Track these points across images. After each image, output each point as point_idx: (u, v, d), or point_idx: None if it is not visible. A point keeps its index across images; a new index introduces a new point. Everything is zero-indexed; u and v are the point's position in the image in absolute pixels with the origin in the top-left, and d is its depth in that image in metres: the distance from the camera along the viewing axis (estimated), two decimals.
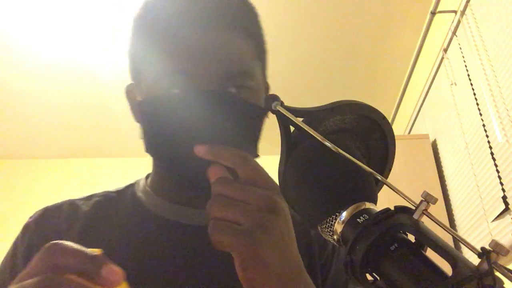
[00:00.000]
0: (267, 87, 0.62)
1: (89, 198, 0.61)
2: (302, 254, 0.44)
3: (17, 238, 0.58)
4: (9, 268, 0.56)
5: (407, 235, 0.32)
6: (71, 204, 0.60)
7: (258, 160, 0.50)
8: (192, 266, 0.53)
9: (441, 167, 2.25)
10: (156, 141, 0.52)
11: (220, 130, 0.48)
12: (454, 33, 2.05)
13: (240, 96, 0.51)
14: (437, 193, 2.10)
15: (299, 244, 0.44)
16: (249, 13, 0.57)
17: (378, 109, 0.40)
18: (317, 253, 0.60)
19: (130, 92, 0.59)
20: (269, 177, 0.42)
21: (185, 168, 0.51)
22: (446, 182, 2.18)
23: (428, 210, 0.30)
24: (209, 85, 0.49)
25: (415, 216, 0.30)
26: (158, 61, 0.51)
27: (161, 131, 0.51)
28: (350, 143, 0.41)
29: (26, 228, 0.58)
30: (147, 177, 0.64)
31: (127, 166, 3.36)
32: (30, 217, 0.60)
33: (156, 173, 0.61)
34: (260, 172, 0.42)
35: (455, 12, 2.01)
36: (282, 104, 0.40)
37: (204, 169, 0.43)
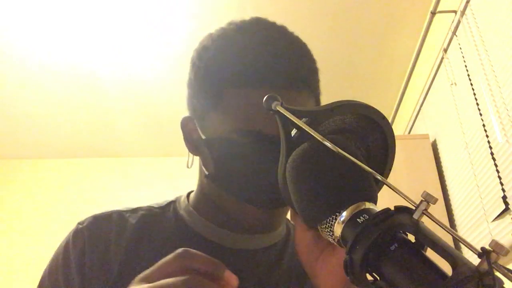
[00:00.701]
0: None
1: (135, 211, 0.63)
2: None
3: (67, 243, 0.59)
4: (62, 270, 0.56)
5: (407, 235, 0.32)
6: (120, 215, 0.61)
7: None
8: None
9: (441, 167, 2.25)
10: (227, 177, 0.56)
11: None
12: (454, 33, 2.05)
13: None
14: (437, 193, 2.10)
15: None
16: (316, 72, 0.61)
17: (378, 109, 0.40)
18: None
19: (186, 125, 0.61)
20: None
21: (254, 199, 0.55)
22: (446, 182, 2.18)
23: (428, 210, 0.30)
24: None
25: (415, 216, 0.30)
26: (232, 112, 0.54)
27: (231, 169, 0.55)
28: (350, 143, 0.41)
29: (78, 234, 0.59)
30: (188, 195, 0.66)
31: (127, 166, 3.36)
32: (80, 223, 0.60)
33: (202, 193, 0.62)
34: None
35: (455, 12, 2.01)
36: (282, 104, 0.40)
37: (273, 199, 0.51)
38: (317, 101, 0.61)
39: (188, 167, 0.60)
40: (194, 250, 0.39)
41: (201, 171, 0.62)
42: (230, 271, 0.54)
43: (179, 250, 0.38)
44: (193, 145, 0.61)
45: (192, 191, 0.66)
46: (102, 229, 0.59)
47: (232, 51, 0.55)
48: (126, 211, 0.62)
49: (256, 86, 0.52)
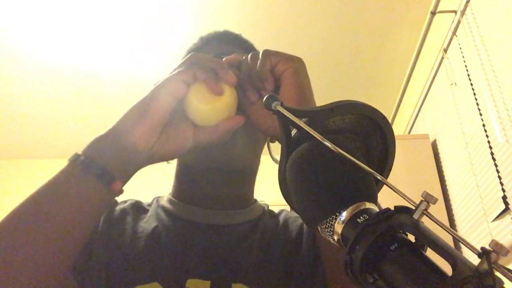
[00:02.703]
0: None
1: (125, 201, 0.70)
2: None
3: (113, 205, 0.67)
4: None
5: (407, 235, 0.32)
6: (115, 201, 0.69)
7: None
8: (217, 261, 0.60)
9: (441, 167, 2.25)
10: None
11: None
12: (454, 33, 2.05)
13: None
14: (437, 193, 2.10)
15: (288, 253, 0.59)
16: (252, 47, 0.78)
17: (378, 109, 0.40)
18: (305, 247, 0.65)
19: None
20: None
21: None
22: (446, 182, 2.18)
23: (428, 210, 0.30)
24: None
25: (415, 216, 0.30)
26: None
27: None
28: (350, 143, 0.41)
29: (117, 203, 0.68)
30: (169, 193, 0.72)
31: None
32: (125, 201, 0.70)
33: (179, 182, 0.71)
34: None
35: (455, 12, 2.01)
36: (282, 104, 0.40)
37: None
38: None
39: (167, 162, 0.64)
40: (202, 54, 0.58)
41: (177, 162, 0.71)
42: (203, 244, 0.61)
43: (191, 54, 0.57)
44: None
45: None
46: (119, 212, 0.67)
47: (193, 46, 0.76)
48: (120, 202, 0.70)
49: (216, 42, 0.74)
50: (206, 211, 0.66)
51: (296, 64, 0.57)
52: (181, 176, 0.70)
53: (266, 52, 0.56)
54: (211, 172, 0.66)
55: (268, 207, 0.74)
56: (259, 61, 0.55)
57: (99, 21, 2.30)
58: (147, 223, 0.65)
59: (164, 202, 0.70)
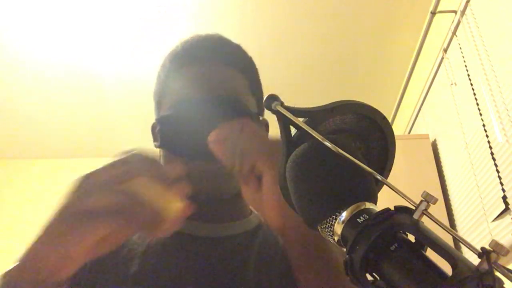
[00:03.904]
0: (266, 124, 0.73)
1: None
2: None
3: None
4: None
5: (407, 235, 0.32)
6: None
7: None
8: (213, 274, 0.59)
9: (441, 167, 2.25)
10: (173, 139, 0.64)
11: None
12: (454, 33, 2.05)
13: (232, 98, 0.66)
14: (437, 193, 2.10)
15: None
16: (244, 58, 0.73)
17: (378, 109, 0.40)
18: None
19: (152, 129, 0.71)
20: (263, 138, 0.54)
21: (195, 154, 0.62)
22: (446, 182, 2.18)
23: (428, 210, 0.30)
24: (212, 109, 0.64)
25: (415, 216, 0.30)
26: (171, 93, 0.68)
27: (177, 132, 0.64)
28: (350, 143, 0.41)
29: None
30: None
31: None
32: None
33: None
34: (255, 133, 0.54)
35: (455, 12, 2.01)
36: (282, 104, 0.40)
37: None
38: (253, 86, 0.72)
39: (155, 146, 0.66)
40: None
41: None
42: (199, 257, 0.61)
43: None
44: (155, 138, 0.69)
45: None
46: None
47: (171, 52, 0.73)
48: None
49: (191, 64, 0.68)
50: (202, 224, 0.65)
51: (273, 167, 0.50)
52: None
53: (242, 154, 0.51)
54: (202, 197, 0.63)
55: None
56: (237, 162, 0.51)
57: (99, 21, 2.30)
58: (141, 238, 0.64)
59: None
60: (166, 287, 0.57)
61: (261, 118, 0.72)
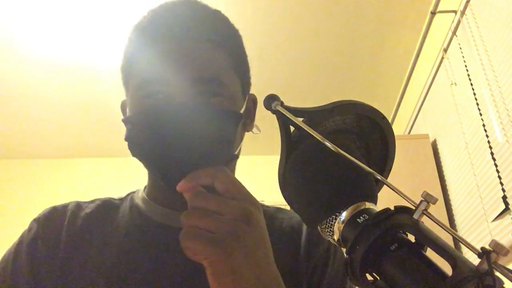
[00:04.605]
0: (253, 100, 0.65)
1: (92, 201, 0.65)
2: (287, 265, 0.47)
3: (24, 231, 0.61)
4: (13, 257, 0.58)
5: (407, 235, 0.32)
6: (77, 205, 0.64)
7: (249, 159, 0.53)
8: (186, 266, 0.55)
9: (441, 167, 2.25)
10: (138, 150, 0.55)
11: (194, 138, 0.52)
12: (454, 33, 2.05)
13: (210, 104, 0.55)
14: (437, 193, 2.10)
15: (284, 256, 0.48)
16: (225, 29, 0.62)
17: (378, 109, 0.40)
18: (303, 261, 0.61)
19: (122, 106, 0.64)
20: (244, 189, 0.44)
21: (165, 172, 0.53)
22: (446, 182, 2.18)
23: (428, 210, 0.30)
24: (183, 93, 0.53)
25: (415, 216, 0.30)
26: (139, 71, 0.57)
27: (141, 143, 0.54)
28: (350, 143, 0.41)
29: (35, 221, 0.61)
30: (145, 187, 0.67)
31: (127, 166, 3.36)
32: (40, 213, 0.63)
33: (151, 180, 0.64)
34: (235, 184, 0.44)
35: (455, 12, 2.01)
36: (282, 104, 0.40)
37: (182, 173, 0.48)
38: (236, 64, 0.61)
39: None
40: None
41: None
42: (179, 251, 0.53)
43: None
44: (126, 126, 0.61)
45: None
46: (56, 218, 0.61)
47: (138, 23, 0.61)
48: (85, 202, 0.65)
49: (158, 41, 0.56)
50: (180, 213, 0.61)
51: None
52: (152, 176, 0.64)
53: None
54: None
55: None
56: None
57: (100, 19, 2.30)
58: (118, 228, 0.60)
59: (138, 200, 0.64)
60: (141, 284, 0.54)
61: (247, 96, 0.63)
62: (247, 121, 0.62)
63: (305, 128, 0.37)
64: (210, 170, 0.45)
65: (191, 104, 0.53)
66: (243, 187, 0.44)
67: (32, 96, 2.80)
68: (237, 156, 0.59)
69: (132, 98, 0.58)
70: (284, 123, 0.39)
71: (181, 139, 0.51)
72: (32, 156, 3.41)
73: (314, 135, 0.36)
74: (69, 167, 3.41)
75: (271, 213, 0.68)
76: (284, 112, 0.39)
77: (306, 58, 2.59)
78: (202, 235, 0.39)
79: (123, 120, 0.58)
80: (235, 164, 0.63)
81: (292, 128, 0.40)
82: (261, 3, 2.26)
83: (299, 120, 0.38)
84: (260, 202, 0.69)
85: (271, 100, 0.40)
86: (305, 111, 0.39)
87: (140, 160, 0.56)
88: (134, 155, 0.56)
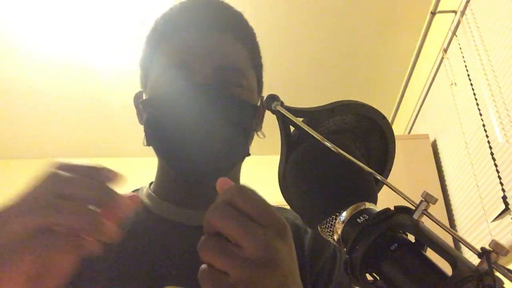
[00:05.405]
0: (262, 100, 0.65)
1: None
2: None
3: None
4: None
5: (407, 235, 0.32)
6: None
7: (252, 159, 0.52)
8: (197, 266, 0.54)
9: (441, 167, 2.25)
10: (157, 134, 0.57)
11: (213, 124, 0.54)
12: (454, 33, 2.05)
13: (232, 92, 0.56)
14: (437, 193, 2.10)
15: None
16: (245, 26, 0.64)
17: (378, 109, 0.40)
18: (308, 263, 0.60)
19: (136, 98, 0.65)
20: (272, 209, 0.35)
21: (184, 161, 0.55)
22: (446, 182, 2.18)
23: (428, 210, 0.30)
24: (206, 79, 0.55)
25: (415, 216, 0.30)
26: (163, 58, 0.59)
27: (161, 125, 0.56)
28: (350, 143, 0.41)
29: None
30: (150, 184, 0.67)
31: (127, 166, 3.36)
32: None
33: (160, 176, 0.64)
34: (264, 205, 0.35)
35: (455, 12, 2.01)
36: (282, 104, 0.40)
37: (201, 163, 0.50)
38: (254, 59, 0.64)
39: (144, 145, 0.59)
40: (67, 164, 0.33)
41: None
42: (183, 247, 0.54)
43: (50, 170, 0.33)
44: (140, 115, 0.63)
45: None
46: None
47: (166, 13, 0.63)
48: None
49: (183, 29, 0.58)
50: (188, 211, 0.59)
51: None
52: (160, 172, 0.64)
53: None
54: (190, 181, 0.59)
55: None
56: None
57: (101, 19, 2.30)
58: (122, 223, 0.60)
59: (143, 196, 0.63)
60: (144, 279, 0.52)
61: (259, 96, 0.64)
62: (257, 120, 0.62)
63: (305, 128, 0.37)
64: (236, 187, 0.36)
65: (215, 91, 0.54)
66: (272, 208, 0.34)
67: (32, 96, 2.80)
68: (249, 155, 0.60)
69: (154, 83, 0.59)
70: (284, 123, 0.39)
71: (204, 124, 0.52)
72: (32, 156, 3.41)
73: (314, 135, 0.36)
74: None
75: None
76: (284, 112, 0.39)
77: (306, 58, 2.59)
78: (214, 278, 0.33)
79: (142, 103, 0.60)
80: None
81: (292, 128, 0.40)
82: (261, 3, 2.26)
83: (299, 120, 0.38)
84: None
85: (271, 100, 0.40)
86: (305, 111, 0.39)
87: (156, 145, 0.57)
88: (149, 140, 0.57)
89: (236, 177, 0.64)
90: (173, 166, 0.57)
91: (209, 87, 0.54)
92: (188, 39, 0.58)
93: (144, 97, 0.62)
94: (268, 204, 0.34)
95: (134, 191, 0.67)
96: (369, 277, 0.31)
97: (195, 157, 0.54)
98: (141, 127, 0.60)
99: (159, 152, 0.58)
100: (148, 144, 0.59)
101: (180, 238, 0.57)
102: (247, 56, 0.62)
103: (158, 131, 0.56)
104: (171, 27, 0.60)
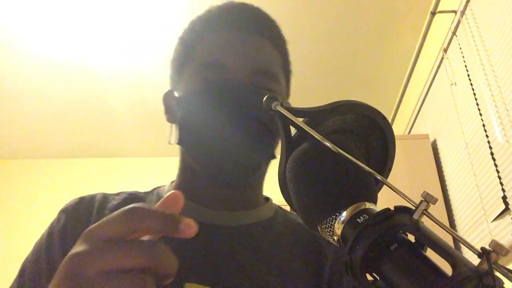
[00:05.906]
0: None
1: (118, 194, 0.65)
2: (307, 271, 0.50)
3: (53, 222, 0.61)
4: (45, 247, 0.57)
5: (407, 235, 0.32)
6: (103, 196, 0.64)
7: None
8: (219, 265, 0.56)
9: (441, 167, 2.25)
10: (190, 131, 0.59)
11: (246, 125, 0.56)
12: (454, 33, 2.05)
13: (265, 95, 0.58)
14: (437, 193, 2.10)
15: (305, 262, 0.53)
16: (279, 32, 0.67)
17: (378, 109, 0.40)
18: (327, 274, 0.59)
19: (167, 96, 0.66)
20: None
21: (216, 158, 0.57)
22: (446, 182, 2.18)
23: (428, 210, 0.30)
24: (241, 78, 0.58)
25: (415, 216, 0.30)
26: (201, 55, 0.61)
27: (195, 121, 0.58)
28: (350, 143, 0.41)
29: (63, 211, 0.62)
30: (172, 182, 0.68)
31: (128, 166, 3.36)
32: (67, 204, 0.64)
33: (184, 176, 0.65)
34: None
35: (455, 12, 2.01)
36: (282, 104, 0.40)
37: (236, 162, 0.53)
38: (285, 64, 0.67)
39: (169, 143, 0.61)
40: (143, 207, 0.32)
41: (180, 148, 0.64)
42: (204, 246, 0.56)
43: (127, 207, 0.32)
44: (171, 114, 0.65)
45: None
46: (84, 208, 0.61)
47: (204, 14, 0.66)
48: (111, 194, 0.65)
49: (223, 29, 0.61)
50: (209, 210, 0.61)
51: None
52: (184, 171, 0.65)
53: None
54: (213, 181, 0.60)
55: (280, 207, 0.68)
56: None
57: (101, 19, 2.30)
58: None
59: (165, 194, 0.64)
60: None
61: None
62: None
63: (305, 128, 0.37)
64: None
65: (252, 92, 0.57)
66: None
67: (32, 96, 2.80)
68: (275, 157, 0.61)
69: (191, 80, 0.61)
70: (284, 123, 0.39)
71: (239, 124, 0.55)
72: (32, 156, 3.41)
73: (314, 135, 0.36)
74: (69, 167, 3.41)
75: (291, 216, 0.68)
76: (284, 112, 0.39)
77: (306, 58, 2.59)
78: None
79: (176, 99, 0.62)
80: None
81: (292, 128, 0.40)
82: (261, 3, 2.25)
83: (299, 120, 0.38)
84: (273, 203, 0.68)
85: (271, 100, 0.40)
86: (305, 111, 0.39)
87: (188, 141, 0.59)
88: (182, 138, 0.59)
89: (260, 180, 0.66)
90: (203, 165, 0.59)
91: (247, 87, 0.57)
92: (228, 38, 0.61)
93: (176, 95, 0.63)
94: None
95: (155, 188, 0.68)
96: (369, 277, 0.31)
97: (226, 158, 0.56)
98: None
99: (191, 149, 0.60)
100: (179, 143, 0.60)
101: (200, 237, 0.57)
102: (280, 61, 0.65)
103: (193, 127, 0.58)
104: (210, 26, 0.63)
